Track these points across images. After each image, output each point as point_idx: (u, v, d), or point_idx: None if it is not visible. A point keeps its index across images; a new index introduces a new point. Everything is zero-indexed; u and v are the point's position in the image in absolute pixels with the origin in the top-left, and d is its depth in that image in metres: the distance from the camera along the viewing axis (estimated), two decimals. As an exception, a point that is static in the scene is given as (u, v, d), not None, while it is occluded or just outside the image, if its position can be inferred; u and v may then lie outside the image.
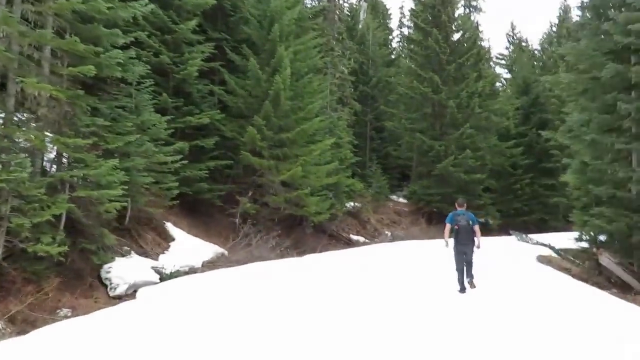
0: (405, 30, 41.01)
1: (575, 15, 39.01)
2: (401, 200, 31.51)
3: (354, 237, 21.29)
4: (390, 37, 44.98)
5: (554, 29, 40.53)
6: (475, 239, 7.96)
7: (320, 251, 14.99)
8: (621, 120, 13.83)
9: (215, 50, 14.87)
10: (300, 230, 17.54)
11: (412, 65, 29.54)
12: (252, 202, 14.87)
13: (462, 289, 7.86)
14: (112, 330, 5.90)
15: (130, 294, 8.49)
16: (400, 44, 43.07)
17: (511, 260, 14.32)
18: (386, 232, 23.20)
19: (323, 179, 16.49)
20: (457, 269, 7.94)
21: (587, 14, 16.23)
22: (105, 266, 8.85)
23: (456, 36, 30.18)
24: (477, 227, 7.95)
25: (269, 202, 15.23)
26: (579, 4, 16.57)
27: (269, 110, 14.50)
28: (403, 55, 38.29)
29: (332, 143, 16.99)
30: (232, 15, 16.27)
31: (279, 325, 6.01)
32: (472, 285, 7.96)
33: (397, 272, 10.25)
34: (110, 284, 8.59)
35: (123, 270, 8.83)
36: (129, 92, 9.86)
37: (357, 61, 33.44)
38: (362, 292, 8.15)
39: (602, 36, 14.76)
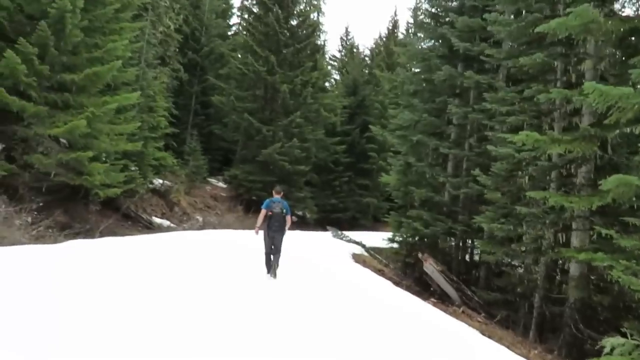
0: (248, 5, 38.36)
1: (401, 32, 42.03)
2: (221, 184, 29.01)
3: (158, 220, 17.94)
4: (230, 12, 42.01)
5: (384, 39, 42.96)
6: (286, 227, 8.18)
7: (102, 234, 11.50)
8: (447, 125, 13.95)
9: None
10: (83, 205, 13.59)
11: (249, 40, 27.24)
12: (6, 160, 10.58)
13: (269, 270, 7.97)
14: None
15: None
16: (240, 20, 40.32)
17: (327, 256, 13.15)
18: (197, 218, 20.39)
19: (121, 144, 12.95)
20: (266, 253, 8.05)
21: (426, 17, 16.22)
22: None
23: (296, 21, 29.04)
24: (289, 217, 8.20)
25: (34, 164, 11.09)
26: (418, 7, 16.55)
27: (46, 37, 10.43)
28: (241, 31, 35.59)
29: (138, 99, 13.51)
30: None
31: None
32: (274, 275, 7.85)
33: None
34: None
35: None
36: None
37: (189, 25, 29.72)
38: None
39: (439, 40, 14.74)
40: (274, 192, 8.38)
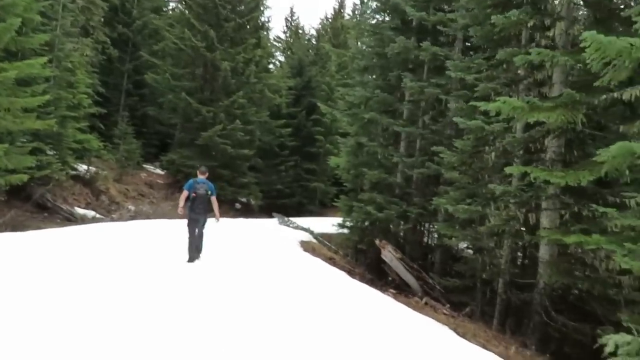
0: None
1: (347, 13, 41.01)
2: (157, 171, 26.92)
3: (81, 211, 15.91)
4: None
5: (330, 19, 41.76)
6: (215, 211, 8.02)
7: (2, 228, 9.63)
8: (399, 102, 13.11)
9: None
10: (-18, 194, 11.53)
11: (186, 12, 25.11)
12: None
13: (191, 258, 7.56)
14: None
15: None
16: (176, -6, 37.52)
17: (273, 244, 11.97)
18: (129, 207, 18.48)
19: (28, 122, 11.00)
20: (189, 237, 7.65)
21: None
22: None
23: (238, -6, 27.18)
24: (214, 198, 7.93)
25: None
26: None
27: None
28: (178, 4, 33.04)
29: (49, 69, 11.54)
30: None
31: None
32: (197, 258, 7.57)
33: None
34: None
35: None
36: None
37: (118, -3, 27.05)
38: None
39: (391, 13, 13.81)
40: (198, 172, 8.13)
